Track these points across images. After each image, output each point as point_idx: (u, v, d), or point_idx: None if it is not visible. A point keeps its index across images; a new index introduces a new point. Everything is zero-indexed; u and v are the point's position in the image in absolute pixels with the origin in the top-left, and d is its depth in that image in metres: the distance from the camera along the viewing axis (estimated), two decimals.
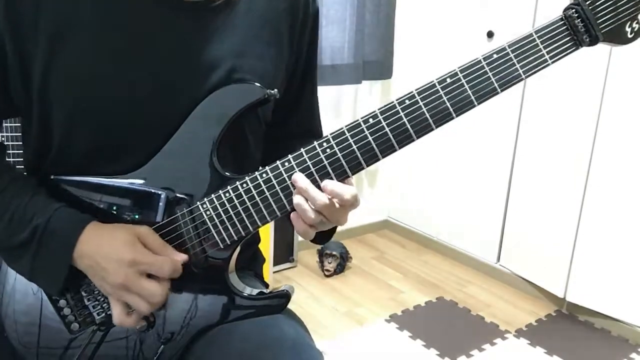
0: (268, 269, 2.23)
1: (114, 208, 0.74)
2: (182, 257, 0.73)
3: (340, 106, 2.69)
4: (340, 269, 2.51)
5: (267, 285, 0.91)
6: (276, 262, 2.46)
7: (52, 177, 0.75)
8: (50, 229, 0.70)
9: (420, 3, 2.62)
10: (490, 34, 2.31)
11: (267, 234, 2.22)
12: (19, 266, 0.74)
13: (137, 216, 0.74)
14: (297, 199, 0.70)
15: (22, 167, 0.81)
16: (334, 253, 2.49)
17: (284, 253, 2.51)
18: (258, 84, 0.75)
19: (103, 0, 0.70)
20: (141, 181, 0.74)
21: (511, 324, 2.14)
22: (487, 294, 2.38)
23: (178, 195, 0.74)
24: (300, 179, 0.70)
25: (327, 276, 2.48)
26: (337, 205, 0.69)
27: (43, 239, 0.70)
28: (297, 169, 0.71)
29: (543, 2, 2.10)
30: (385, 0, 2.57)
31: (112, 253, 0.69)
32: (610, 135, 1.95)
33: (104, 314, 0.76)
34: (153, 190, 0.74)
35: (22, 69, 0.70)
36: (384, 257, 2.74)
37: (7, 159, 0.81)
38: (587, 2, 0.69)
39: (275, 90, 0.75)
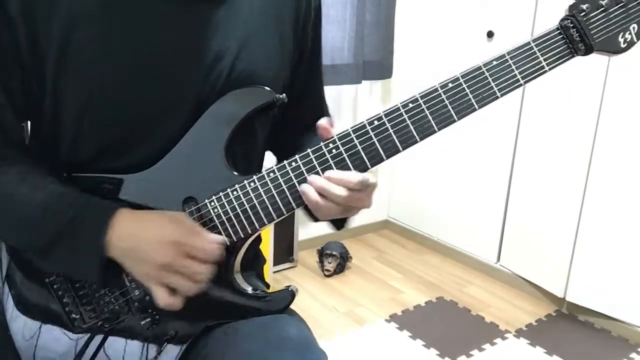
0: (268, 269, 2.23)
1: (127, 205, 0.74)
2: (220, 238, 0.73)
3: (340, 106, 2.69)
4: (340, 269, 2.51)
5: (268, 286, 0.92)
6: (276, 262, 2.46)
7: (65, 174, 0.76)
8: (79, 218, 0.70)
9: (420, 3, 2.62)
10: (490, 34, 2.31)
11: (267, 234, 2.22)
12: (53, 264, 0.73)
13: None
14: (314, 198, 0.71)
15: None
16: (334, 253, 2.49)
17: (284, 253, 2.51)
18: (268, 89, 0.76)
19: None
20: (153, 179, 0.75)
21: (511, 324, 2.14)
22: (487, 294, 2.38)
23: (187, 192, 0.75)
24: (316, 179, 0.71)
25: (327, 276, 2.48)
26: (345, 192, 0.71)
27: (73, 229, 0.70)
28: (303, 169, 0.73)
29: (543, 2, 2.10)
30: (385, 1, 2.57)
31: (155, 234, 0.69)
32: (611, 135, 1.95)
33: (108, 312, 0.76)
34: (165, 189, 0.75)
35: (36, 62, 0.70)
36: (384, 257, 2.74)
37: None
38: (582, 14, 0.74)
39: (284, 95, 0.77)
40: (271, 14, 0.81)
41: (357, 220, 2.97)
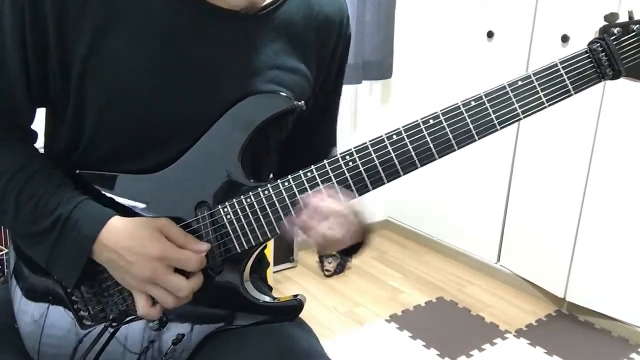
0: (269, 269, 2.23)
1: (138, 205, 0.75)
2: (205, 246, 0.73)
3: (340, 106, 2.68)
4: (340, 269, 2.51)
5: (270, 288, 0.92)
6: (276, 262, 2.46)
7: (77, 171, 0.76)
8: (72, 220, 0.71)
9: (420, 3, 2.62)
10: (490, 34, 2.31)
11: None
12: (37, 252, 0.74)
13: (161, 215, 0.75)
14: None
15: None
16: (334, 253, 2.48)
17: (284, 253, 2.51)
18: (285, 94, 0.76)
19: (144, 2, 0.70)
20: (166, 181, 0.75)
21: (511, 324, 2.14)
22: (487, 294, 2.38)
23: (200, 197, 0.75)
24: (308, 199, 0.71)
25: (327, 276, 2.48)
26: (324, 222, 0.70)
27: (65, 228, 0.71)
28: (319, 179, 0.72)
29: (543, 2, 2.10)
30: (385, 1, 2.57)
31: (138, 247, 0.69)
32: (610, 135, 1.95)
33: (117, 311, 0.77)
34: (178, 192, 0.75)
35: (63, 60, 0.70)
36: (384, 257, 2.74)
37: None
38: (612, 38, 0.72)
39: (302, 102, 0.76)
40: (301, 42, 0.80)
41: None
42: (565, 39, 1.98)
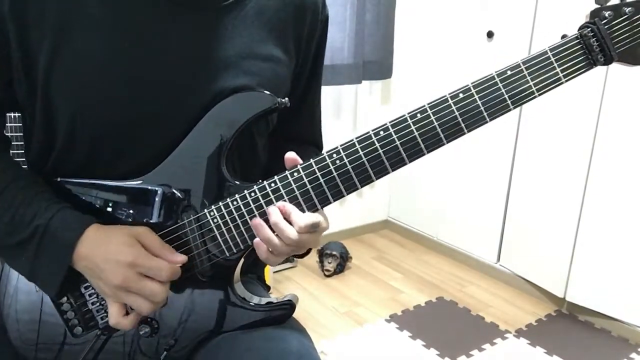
0: (268, 270, 2.23)
1: (118, 212, 0.74)
2: (181, 258, 0.72)
3: (340, 106, 2.69)
4: (340, 269, 2.51)
5: (268, 288, 0.91)
6: None
7: (58, 179, 0.75)
8: (50, 230, 0.69)
9: (420, 3, 2.62)
10: (490, 34, 2.31)
11: None
12: (18, 265, 0.73)
13: (141, 221, 0.73)
14: (265, 234, 0.70)
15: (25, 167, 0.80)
16: (334, 253, 2.49)
17: None
18: (268, 93, 0.74)
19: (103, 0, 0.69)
20: (148, 186, 0.73)
21: (511, 324, 2.14)
22: (487, 294, 2.38)
23: (185, 201, 0.73)
24: (273, 211, 0.70)
25: (327, 276, 2.48)
26: (296, 235, 0.69)
27: (43, 239, 0.70)
28: (306, 180, 0.71)
29: (543, 2, 2.10)
30: (385, 1, 2.57)
31: (111, 254, 0.68)
32: (610, 135, 1.95)
33: (107, 318, 0.75)
34: (158, 194, 0.73)
35: (26, 63, 0.69)
36: (384, 257, 2.74)
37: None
38: (603, 22, 0.69)
39: (286, 99, 0.75)
40: (277, 27, 0.79)
41: (357, 220, 2.98)
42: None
